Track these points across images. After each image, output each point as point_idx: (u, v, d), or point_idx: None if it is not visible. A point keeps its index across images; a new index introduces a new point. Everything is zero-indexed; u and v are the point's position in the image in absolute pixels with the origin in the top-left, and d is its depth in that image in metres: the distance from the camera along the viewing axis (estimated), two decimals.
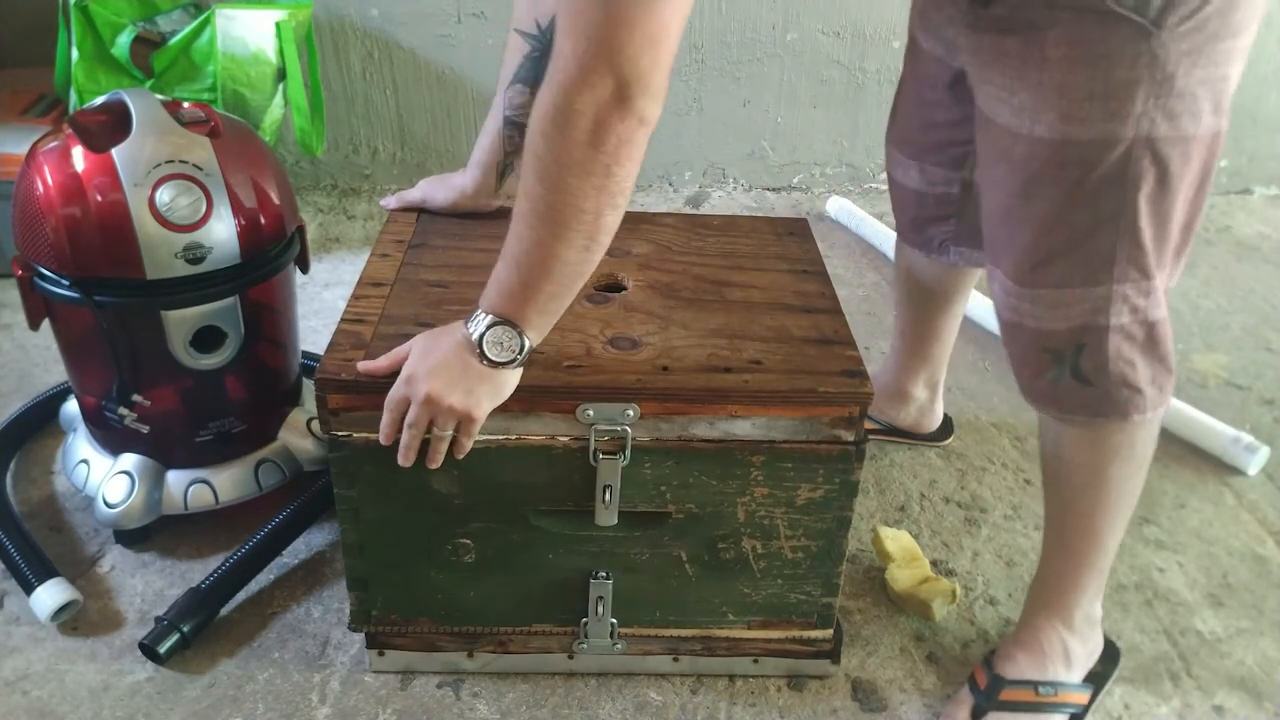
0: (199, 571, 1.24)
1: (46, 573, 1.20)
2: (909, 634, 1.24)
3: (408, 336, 0.98)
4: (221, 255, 1.17)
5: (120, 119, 1.16)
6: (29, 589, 1.18)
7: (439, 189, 1.26)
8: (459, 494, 1.02)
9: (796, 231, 1.29)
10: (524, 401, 0.97)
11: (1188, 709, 1.16)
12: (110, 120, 1.17)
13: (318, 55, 2.08)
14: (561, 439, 0.99)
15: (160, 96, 1.20)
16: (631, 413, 0.98)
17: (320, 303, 1.89)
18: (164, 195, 1.12)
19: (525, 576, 1.08)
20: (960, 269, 1.34)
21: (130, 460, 1.26)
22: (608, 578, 1.08)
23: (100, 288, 1.14)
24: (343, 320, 1.05)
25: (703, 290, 1.14)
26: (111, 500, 1.24)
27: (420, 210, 1.27)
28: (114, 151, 1.12)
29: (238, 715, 1.10)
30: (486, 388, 0.93)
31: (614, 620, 1.11)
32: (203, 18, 1.75)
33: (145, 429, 1.25)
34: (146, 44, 1.79)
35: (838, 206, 2.29)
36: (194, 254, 1.15)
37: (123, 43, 1.77)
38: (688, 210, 2.35)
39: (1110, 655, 1.17)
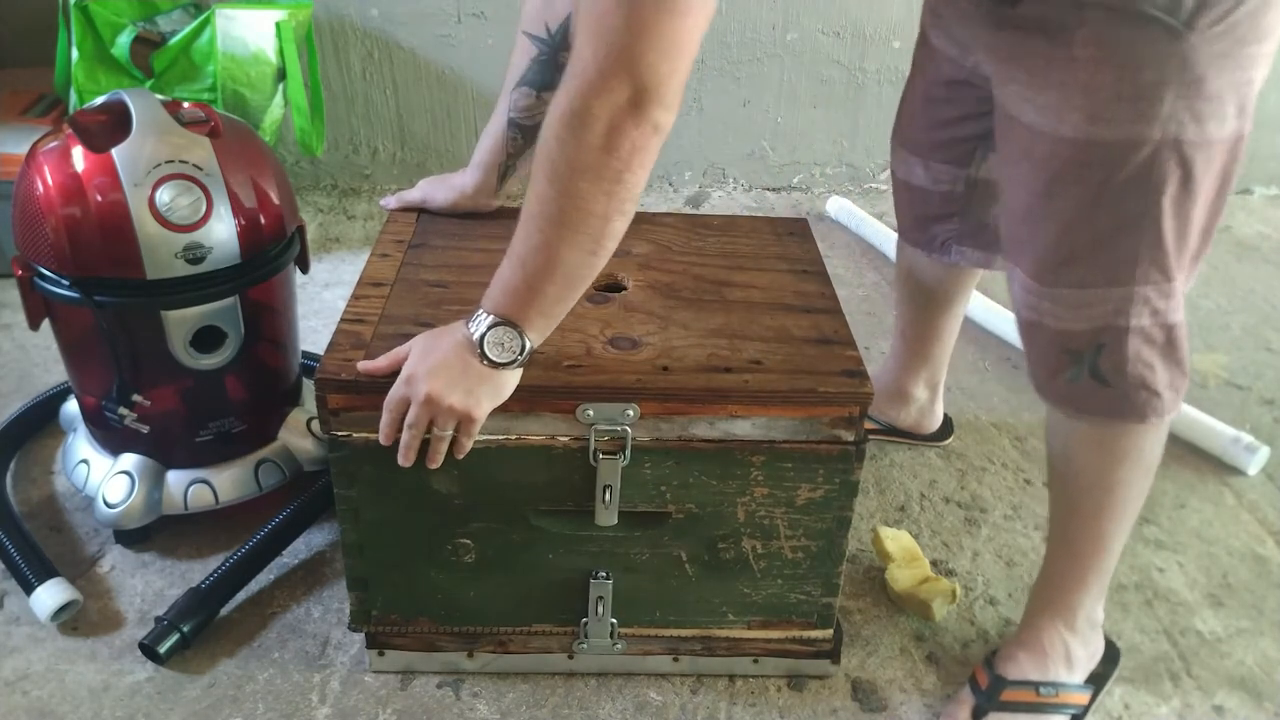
0: (199, 571, 1.24)
1: (46, 573, 1.20)
2: (909, 634, 1.24)
3: (408, 336, 0.98)
4: (221, 255, 1.17)
5: (120, 119, 1.16)
6: (29, 589, 1.18)
7: (439, 189, 1.26)
8: (459, 494, 1.02)
9: (796, 231, 1.29)
10: (524, 401, 0.97)
11: (1188, 709, 1.16)
12: (110, 120, 1.17)
13: (318, 55, 2.08)
14: (561, 439, 0.99)
15: (160, 96, 1.20)
16: (631, 413, 0.98)
17: (320, 303, 1.89)
18: (164, 195, 1.12)
19: (525, 576, 1.08)
20: (962, 269, 1.34)
21: (130, 460, 1.26)
22: (608, 578, 1.08)
23: (100, 288, 1.14)
24: (343, 320, 1.04)
25: (703, 290, 1.14)
26: (111, 500, 1.24)
27: (420, 210, 1.27)
28: (114, 151, 1.12)
29: (238, 715, 1.10)
30: (487, 388, 0.93)
31: (614, 620, 1.11)
32: (203, 18, 1.75)
33: (145, 429, 1.24)
34: (146, 44, 1.79)
35: (838, 206, 2.29)
36: (194, 254, 1.15)
37: (123, 43, 1.77)
38: (688, 210, 2.35)
39: (1110, 655, 1.17)
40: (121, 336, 1.18)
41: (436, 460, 0.96)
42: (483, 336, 0.91)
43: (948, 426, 1.57)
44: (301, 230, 1.30)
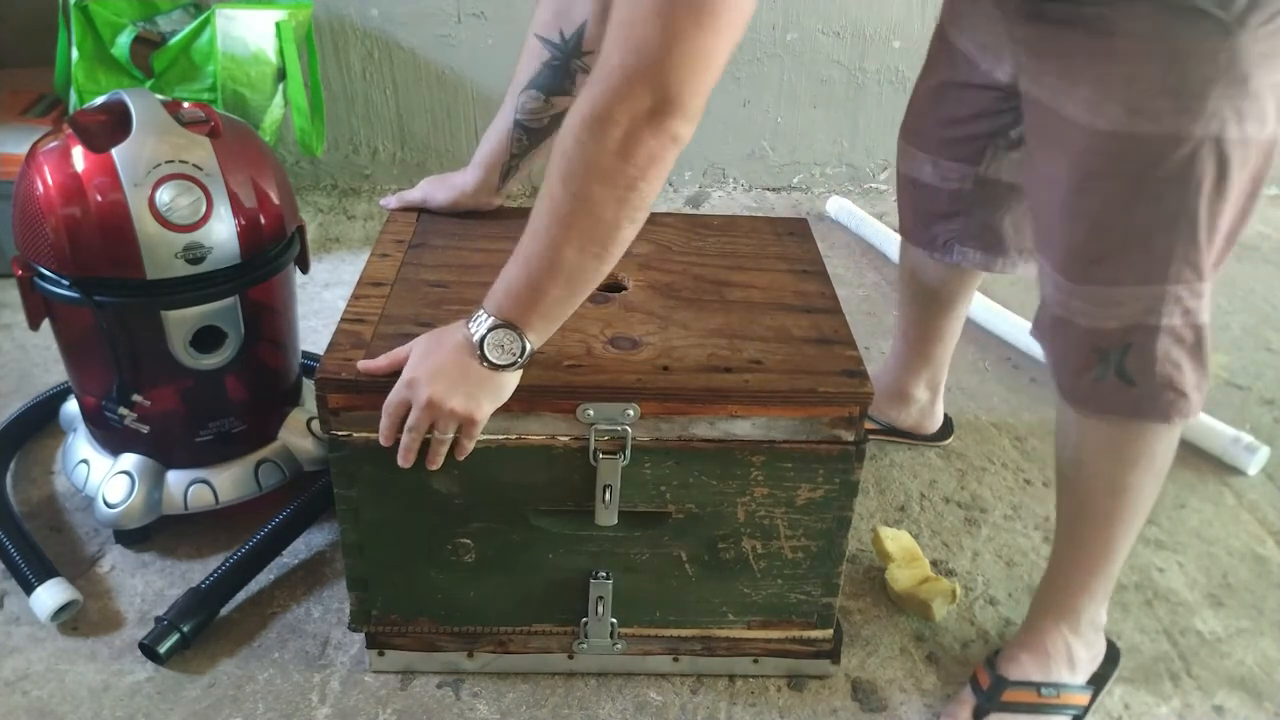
0: (199, 571, 1.24)
1: (46, 573, 1.20)
2: (909, 634, 1.24)
3: (408, 336, 0.98)
4: (221, 255, 1.17)
5: (120, 119, 1.16)
6: (29, 589, 1.18)
7: (439, 188, 1.26)
8: (459, 494, 1.02)
9: (796, 231, 1.29)
10: (524, 401, 0.97)
11: (1188, 709, 1.16)
12: (110, 120, 1.17)
13: (318, 55, 2.08)
14: (562, 439, 0.99)
15: (160, 96, 1.20)
16: (632, 412, 0.98)
17: (320, 303, 1.89)
18: (164, 195, 1.12)
19: (525, 576, 1.08)
20: (964, 270, 1.34)
21: (130, 460, 1.26)
22: (608, 578, 1.07)
23: (100, 288, 1.14)
24: (343, 320, 1.04)
25: (703, 290, 1.14)
26: (111, 500, 1.24)
27: (420, 210, 1.27)
28: (114, 151, 1.12)
29: (238, 715, 1.10)
30: (487, 390, 0.93)
31: (614, 620, 1.11)
32: (203, 18, 1.75)
33: (145, 429, 1.24)
34: (146, 44, 1.79)
35: (838, 206, 2.29)
36: (194, 254, 1.15)
37: (123, 43, 1.77)
38: (688, 210, 2.35)
39: (1111, 656, 1.17)
40: (121, 336, 1.18)
41: (436, 462, 0.96)
42: (483, 338, 0.91)
43: (948, 427, 1.57)
44: (301, 230, 1.30)
